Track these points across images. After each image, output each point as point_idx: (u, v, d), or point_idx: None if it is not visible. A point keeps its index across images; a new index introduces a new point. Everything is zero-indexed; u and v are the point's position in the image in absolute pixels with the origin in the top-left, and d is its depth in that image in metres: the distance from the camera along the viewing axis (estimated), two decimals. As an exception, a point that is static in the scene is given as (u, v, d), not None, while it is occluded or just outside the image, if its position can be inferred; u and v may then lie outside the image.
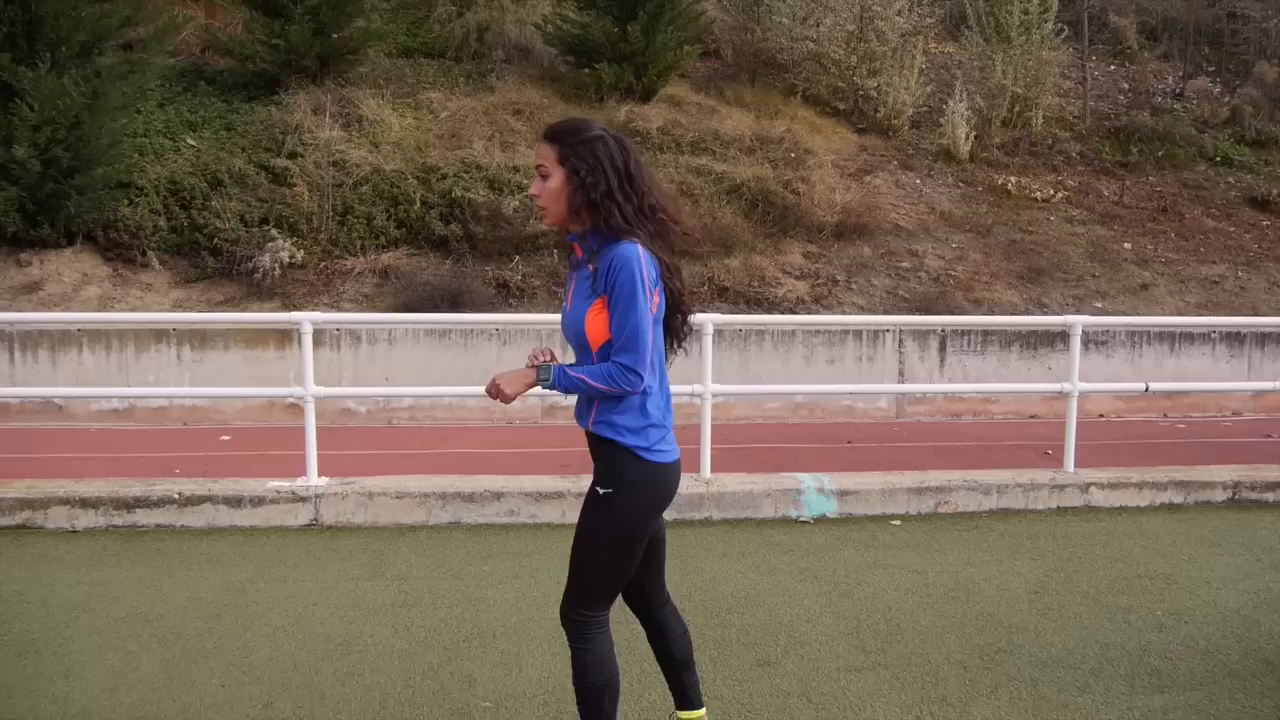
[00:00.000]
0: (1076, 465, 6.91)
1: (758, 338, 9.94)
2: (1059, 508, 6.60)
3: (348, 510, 6.05)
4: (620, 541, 2.87)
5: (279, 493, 6.05)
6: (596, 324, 2.76)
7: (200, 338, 9.35)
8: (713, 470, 6.55)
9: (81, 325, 9.36)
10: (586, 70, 14.08)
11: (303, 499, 6.04)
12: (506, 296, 10.49)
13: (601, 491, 2.86)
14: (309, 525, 5.99)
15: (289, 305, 10.06)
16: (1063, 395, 7.05)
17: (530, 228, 11.03)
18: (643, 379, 2.75)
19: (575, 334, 2.84)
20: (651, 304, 2.75)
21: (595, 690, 2.89)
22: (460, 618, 4.57)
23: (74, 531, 5.88)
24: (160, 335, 9.39)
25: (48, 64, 10.40)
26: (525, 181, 11.75)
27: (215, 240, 10.74)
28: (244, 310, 10.06)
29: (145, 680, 3.96)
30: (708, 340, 6.54)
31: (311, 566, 5.28)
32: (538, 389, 2.90)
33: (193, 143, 12.18)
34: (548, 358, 2.90)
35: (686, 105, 14.35)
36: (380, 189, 11.59)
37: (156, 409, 9.07)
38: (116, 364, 9.35)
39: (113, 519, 5.96)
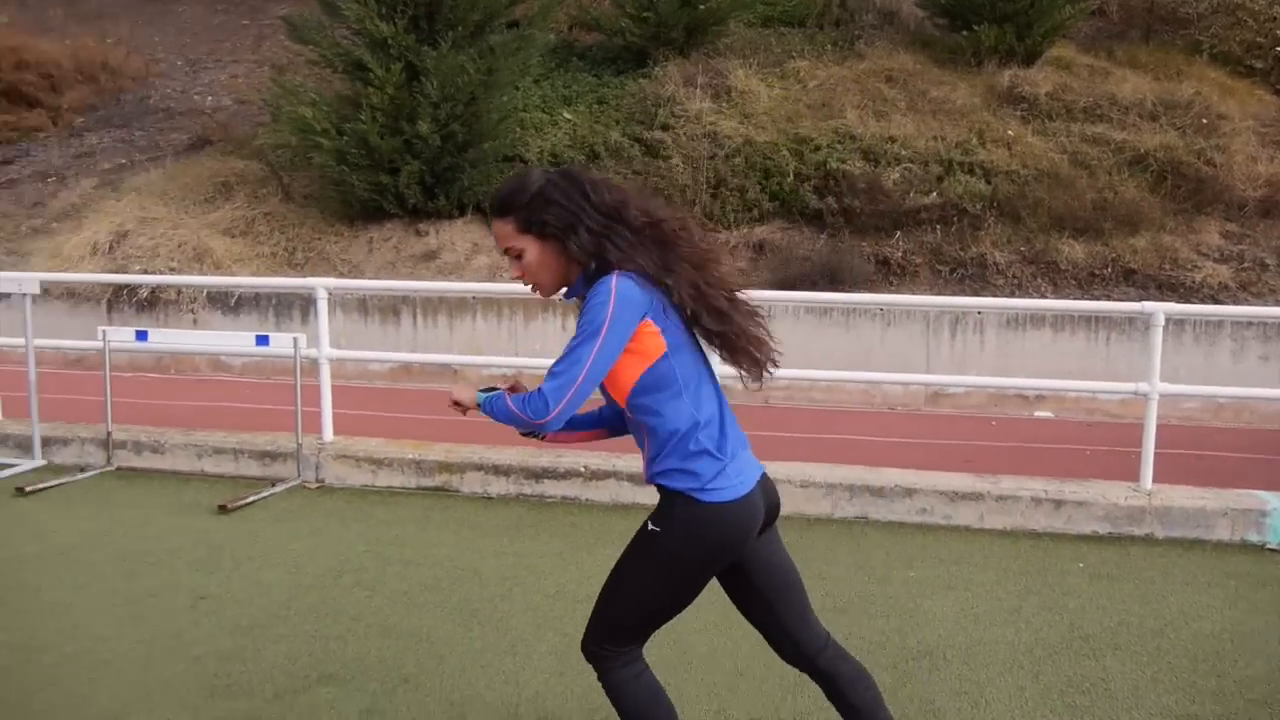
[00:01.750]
0: None
1: (1176, 328, 8.84)
2: None
3: (750, 496, 5.81)
4: (665, 584, 2.54)
5: (682, 473, 5.90)
6: (613, 373, 2.43)
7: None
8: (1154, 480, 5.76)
9: (476, 294, 9.78)
10: (964, 33, 13.18)
11: (706, 481, 5.85)
12: (887, 275, 9.97)
13: (650, 527, 2.52)
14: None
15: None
16: None
17: (911, 201, 10.42)
18: (550, 409, 2.37)
19: (603, 390, 2.51)
20: (629, 338, 2.38)
21: None
22: (900, 631, 4.17)
23: (488, 498, 6.02)
24: (547, 305, 9.64)
25: (448, 43, 10.93)
26: (902, 153, 11.13)
27: (594, 212, 10.91)
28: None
29: (587, 669, 3.85)
30: (1156, 333, 5.73)
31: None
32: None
33: (569, 117, 12.49)
34: (506, 386, 2.57)
35: (1076, 67, 13.11)
36: (753, 161, 11.37)
37: (541, 376, 9.30)
38: (507, 331, 9.70)
39: (523, 488, 6.05)
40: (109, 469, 6.64)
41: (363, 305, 9.94)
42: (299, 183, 12.35)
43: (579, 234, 2.43)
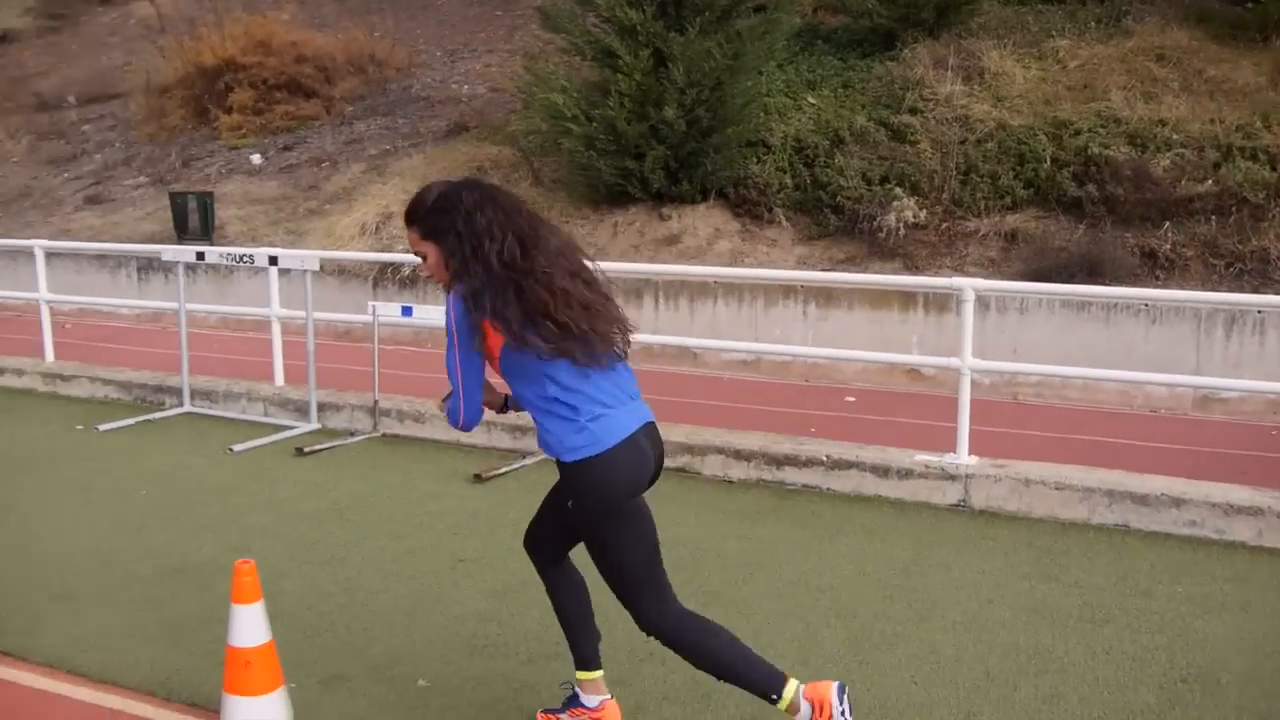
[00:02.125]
0: None
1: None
2: None
3: (999, 495, 5.58)
4: (615, 539, 2.91)
5: (927, 467, 5.74)
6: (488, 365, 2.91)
7: (825, 295, 9.42)
8: None
9: (718, 278, 9.85)
10: (1248, 5, 12.12)
11: (952, 477, 5.67)
12: (1153, 268, 9.33)
13: (569, 505, 2.92)
14: (956, 506, 5.61)
15: (910, 266, 9.82)
16: None
17: (1183, 189, 9.70)
18: (459, 416, 2.89)
19: None
20: (475, 340, 2.84)
21: (726, 666, 2.95)
22: (1168, 650, 3.90)
23: (729, 481, 6.06)
24: (788, 291, 9.60)
25: (695, 29, 11.02)
26: (1174, 137, 10.38)
27: (838, 198, 10.79)
28: (865, 270, 9.99)
29: (831, 659, 3.82)
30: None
31: (974, 555, 4.89)
32: None
33: (813, 101, 12.35)
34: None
35: (1383, 42, 11.81)
36: (1006, 146, 10.88)
37: (780, 363, 9.28)
38: (747, 316, 9.73)
39: (763, 473, 6.04)
40: (375, 435, 7.11)
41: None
42: (548, 167, 12.79)
43: (448, 243, 2.82)
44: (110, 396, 8.26)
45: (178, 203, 13.21)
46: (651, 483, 3.02)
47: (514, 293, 2.76)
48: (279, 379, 7.93)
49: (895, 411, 7.91)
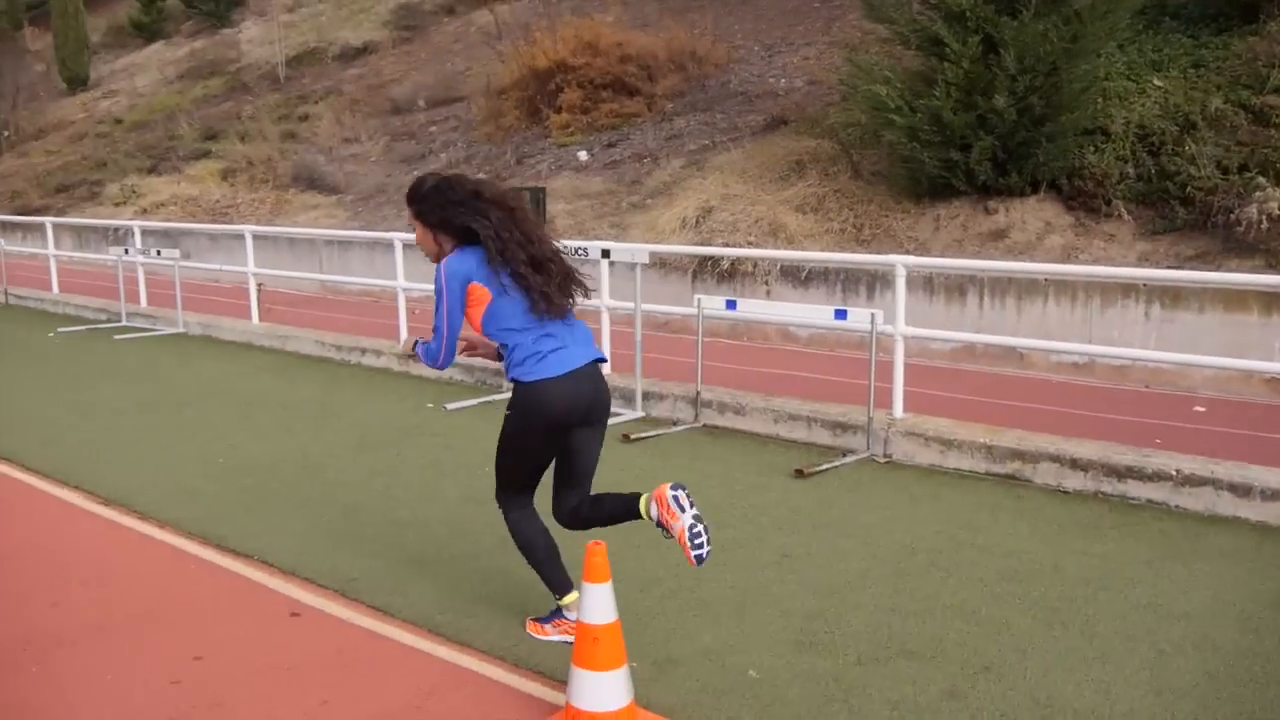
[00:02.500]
0: None
1: None
2: None
3: (1389, 525, 4.96)
4: (521, 448, 3.83)
5: (1298, 488, 5.19)
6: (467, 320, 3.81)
7: (1172, 295, 8.69)
8: None
9: (1049, 275, 9.34)
10: None
11: (1329, 502, 5.10)
12: None
13: (506, 412, 3.82)
14: (1334, 534, 5.03)
15: (1274, 263, 8.87)
16: None
17: None
18: (439, 356, 3.83)
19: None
20: (464, 299, 3.73)
21: (529, 549, 3.95)
22: None
23: (1063, 491, 5.74)
24: (1128, 290, 8.94)
25: (1029, 11, 10.46)
26: None
27: (1187, 189, 9.91)
28: (1218, 267, 9.12)
29: (1188, 690, 3.54)
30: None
31: (1356, 591, 4.36)
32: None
33: (1159, 83, 11.41)
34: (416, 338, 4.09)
35: None
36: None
37: (1117, 367, 8.67)
38: (1080, 317, 9.16)
39: (1101, 485, 5.68)
40: (696, 425, 7.29)
41: (928, 283, 9.90)
42: (868, 160, 12.59)
43: (431, 219, 3.79)
44: (455, 378, 8.96)
45: (513, 198, 14.12)
46: (593, 422, 3.84)
47: (507, 264, 3.67)
48: (607, 367, 8.29)
49: (1255, 425, 7.20)
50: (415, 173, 18.09)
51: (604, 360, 3.88)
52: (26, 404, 8.34)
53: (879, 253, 10.18)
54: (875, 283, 10.31)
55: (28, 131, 30.22)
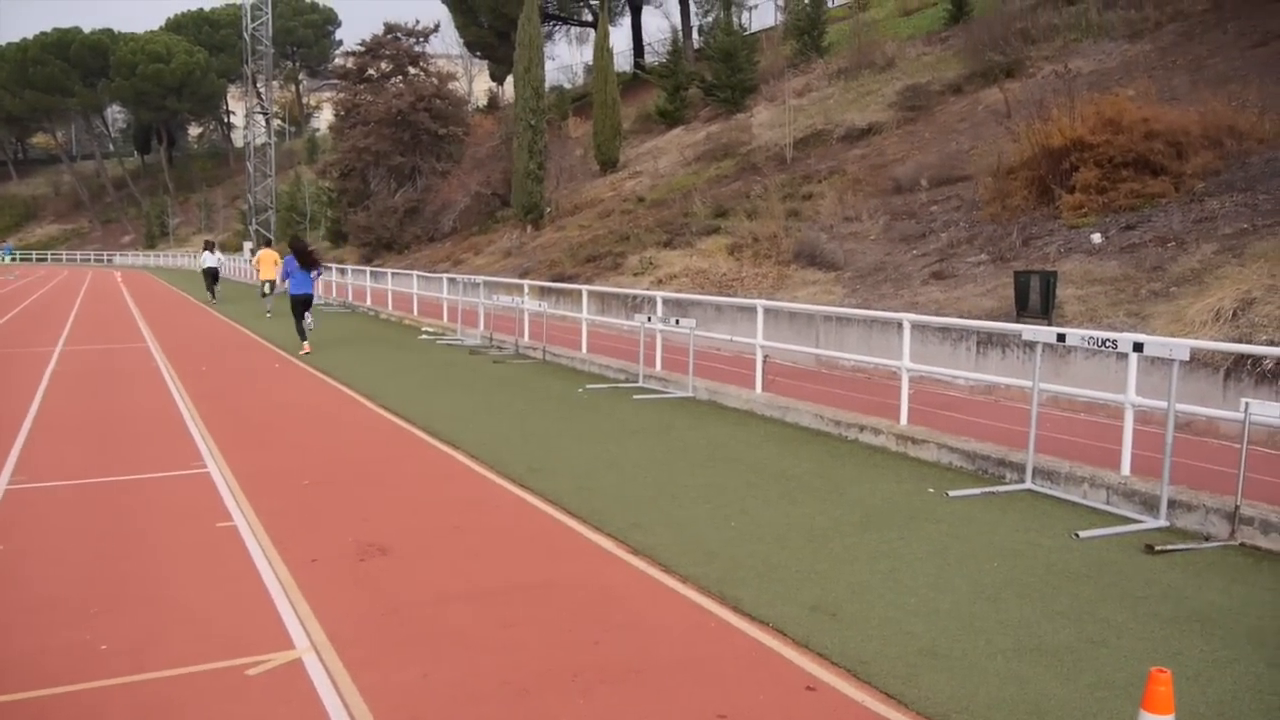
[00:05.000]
0: None
1: None
2: None
3: None
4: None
5: None
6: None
7: None
8: None
9: None
10: None
11: None
12: None
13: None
14: None
15: None
16: None
17: None
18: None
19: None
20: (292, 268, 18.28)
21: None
22: None
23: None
24: None
25: None
26: None
27: None
28: None
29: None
30: None
31: None
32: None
33: None
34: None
35: None
36: None
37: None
38: None
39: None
40: (1232, 543, 6.53)
41: None
42: None
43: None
44: (954, 464, 8.77)
45: (1021, 280, 13.62)
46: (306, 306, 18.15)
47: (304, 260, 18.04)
48: (1125, 468, 7.70)
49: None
50: (914, 253, 18.17)
51: None
52: (563, 452, 9.39)
53: None
54: None
55: (565, 208, 34.42)
